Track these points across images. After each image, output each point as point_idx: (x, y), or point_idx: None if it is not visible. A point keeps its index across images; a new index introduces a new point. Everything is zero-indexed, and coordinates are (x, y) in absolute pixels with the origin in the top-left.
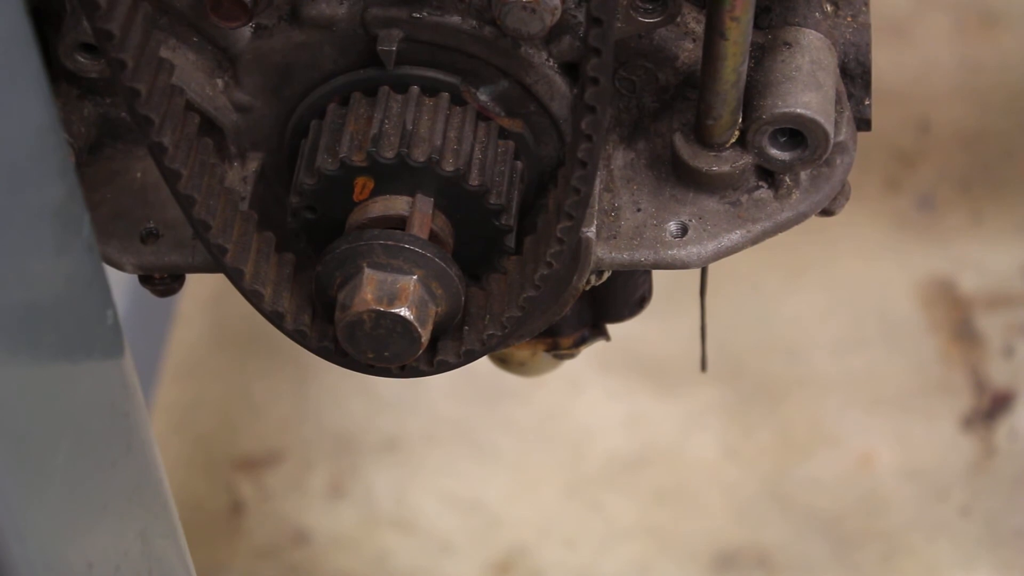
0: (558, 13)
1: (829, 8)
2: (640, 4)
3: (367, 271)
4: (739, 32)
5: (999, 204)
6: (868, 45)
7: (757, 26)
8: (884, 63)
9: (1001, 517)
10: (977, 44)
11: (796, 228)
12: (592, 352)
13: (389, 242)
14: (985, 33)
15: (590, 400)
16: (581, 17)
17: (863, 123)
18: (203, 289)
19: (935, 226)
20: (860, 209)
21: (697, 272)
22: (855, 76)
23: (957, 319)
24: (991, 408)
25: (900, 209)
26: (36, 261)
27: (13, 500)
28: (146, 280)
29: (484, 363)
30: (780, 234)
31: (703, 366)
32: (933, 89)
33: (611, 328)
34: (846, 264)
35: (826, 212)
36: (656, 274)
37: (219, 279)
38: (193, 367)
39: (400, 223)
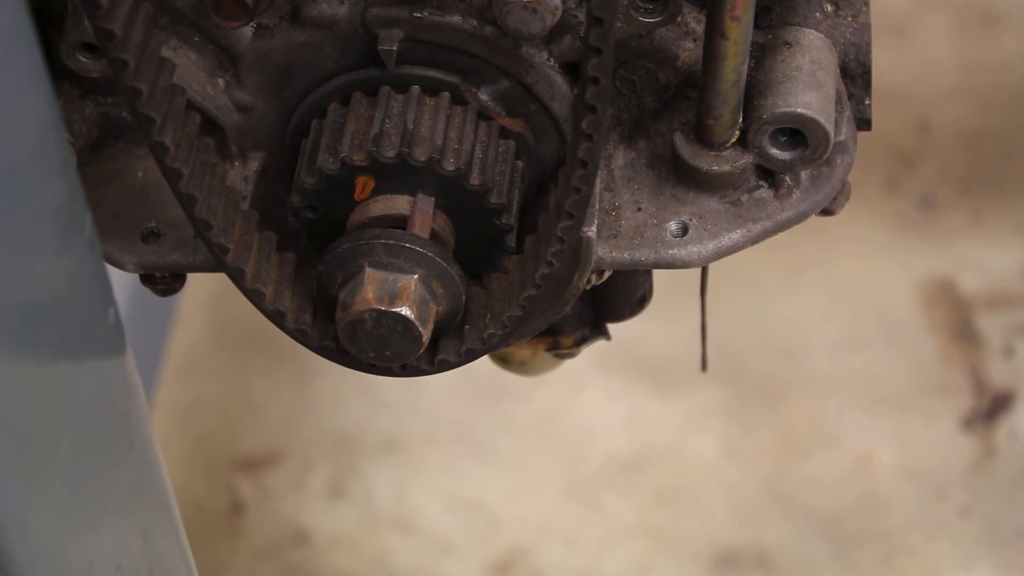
0: (559, 13)
1: (829, 8)
2: (641, 4)
3: (368, 270)
4: (739, 32)
5: (999, 204)
6: (868, 45)
7: (757, 26)
8: (884, 63)
9: (1001, 517)
10: (977, 44)
11: (796, 228)
12: (592, 352)
13: (390, 241)
14: (985, 33)
15: (590, 400)
16: (582, 17)
17: (863, 123)
18: (203, 289)
19: (935, 226)
20: (860, 209)
21: (697, 272)
22: (855, 76)
23: (957, 319)
24: (991, 408)
25: (900, 209)
26: (38, 260)
27: (15, 498)
28: (147, 279)
29: (484, 363)
30: (780, 234)
31: (703, 366)
32: (933, 89)
33: (611, 328)
34: (846, 264)
35: (826, 212)
36: (656, 274)
37: (219, 279)
38: (193, 367)
39: (401, 222)
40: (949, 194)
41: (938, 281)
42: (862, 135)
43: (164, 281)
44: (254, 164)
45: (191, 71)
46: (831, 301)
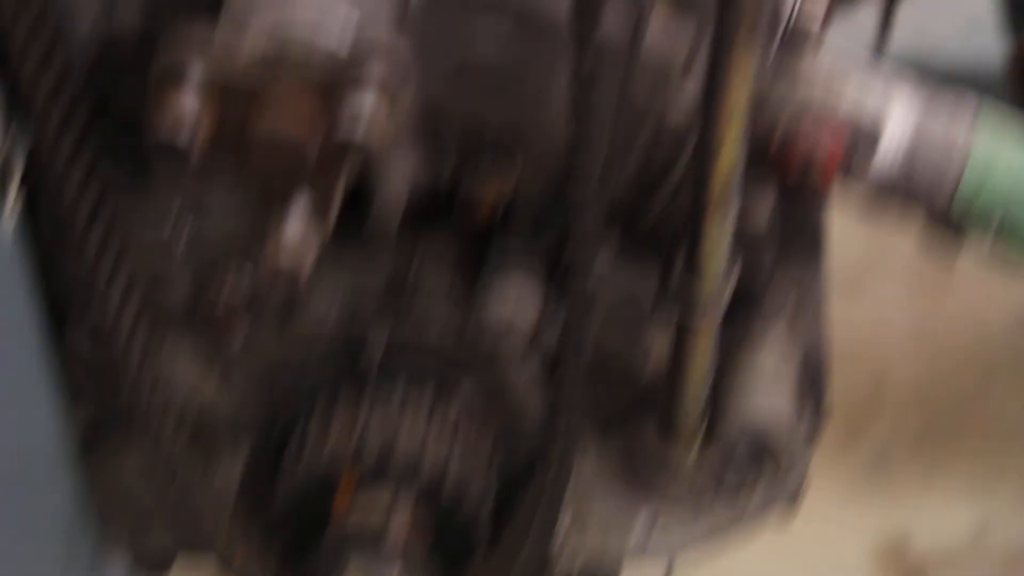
0: (529, 336)
1: (791, 308)
2: None
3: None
4: (705, 334)
5: (952, 463)
6: (827, 340)
7: (724, 322)
8: (838, 321)
9: None
10: (929, 305)
11: None
12: None
13: (368, 551)
14: (937, 295)
15: None
16: (553, 339)
17: (822, 415)
18: None
19: (889, 484)
20: (813, 467)
21: None
22: (815, 369)
23: None
24: None
25: (854, 467)
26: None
27: None
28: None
29: None
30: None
31: None
32: (887, 348)
33: None
34: (799, 525)
35: (789, 502)
36: None
37: None
38: None
39: (382, 521)
40: (903, 452)
41: (892, 539)
42: None
43: None
44: (242, 454)
45: (184, 367)
46: (785, 562)
